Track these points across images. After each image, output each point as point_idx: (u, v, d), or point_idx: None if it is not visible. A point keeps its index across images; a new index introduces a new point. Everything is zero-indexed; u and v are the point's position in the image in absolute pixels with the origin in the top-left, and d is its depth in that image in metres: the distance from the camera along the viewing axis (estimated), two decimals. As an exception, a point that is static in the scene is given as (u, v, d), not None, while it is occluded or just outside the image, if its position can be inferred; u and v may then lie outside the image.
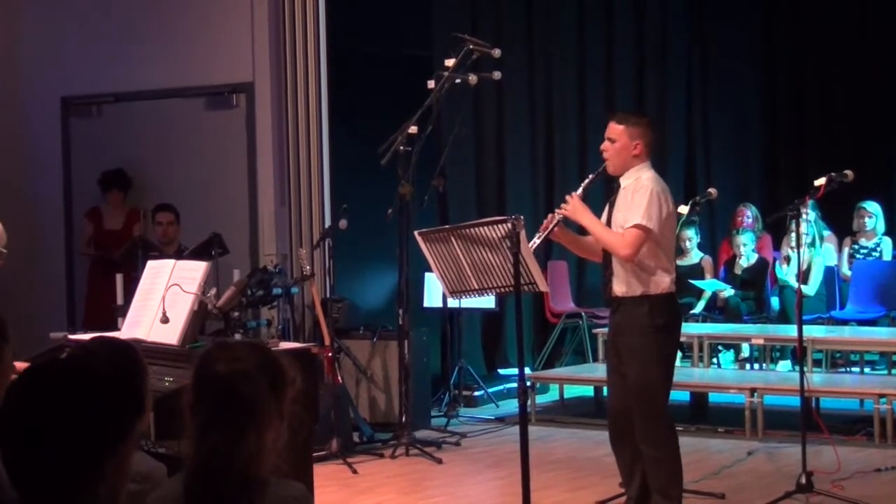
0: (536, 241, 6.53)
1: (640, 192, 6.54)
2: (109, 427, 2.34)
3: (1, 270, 5.39)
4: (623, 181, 6.69)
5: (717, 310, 12.45)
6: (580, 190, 6.72)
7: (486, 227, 6.04)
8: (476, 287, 6.21)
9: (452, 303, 10.33)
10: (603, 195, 7.06)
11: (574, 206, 6.64)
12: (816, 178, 7.46)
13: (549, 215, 6.70)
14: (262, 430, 3.02)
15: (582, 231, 7.00)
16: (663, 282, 6.58)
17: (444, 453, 9.19)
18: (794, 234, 10.02)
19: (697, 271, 12.35)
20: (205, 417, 3.02)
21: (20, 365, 5.21)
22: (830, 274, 12.39)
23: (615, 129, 6.69)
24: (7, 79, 11.43)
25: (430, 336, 10.52)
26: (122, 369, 2.47)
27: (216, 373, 3.06)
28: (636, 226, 6.47)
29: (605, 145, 6.71)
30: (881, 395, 9.19)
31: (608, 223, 6.68)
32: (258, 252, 10.55)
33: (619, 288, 6.62)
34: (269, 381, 3.08)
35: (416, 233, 6.40)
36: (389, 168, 9.09)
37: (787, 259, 12.07)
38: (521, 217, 5.93)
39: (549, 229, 6.59)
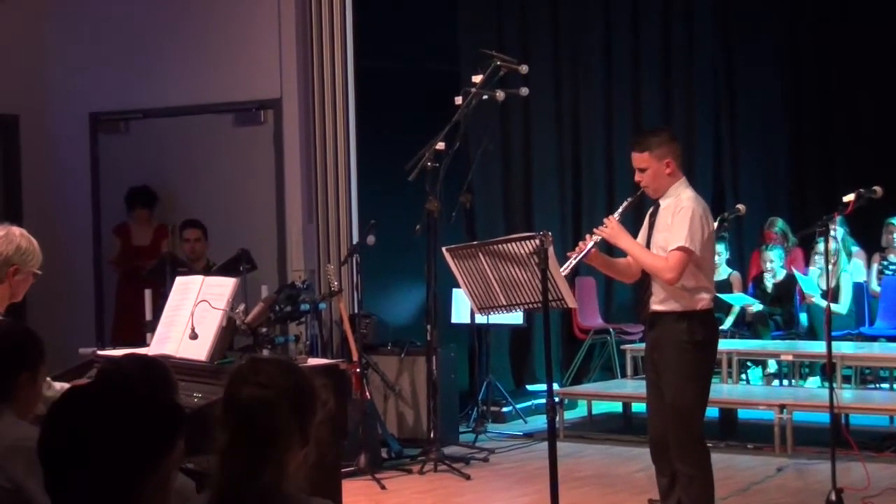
0: (572, 262, 6.49)
1: (681, 214, 6.48)
2: (150, 445, 2.35)
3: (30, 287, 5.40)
4: (662, 202, 6.63)
5: (746, 325, 12.41)
6: (617, 213, 6.65)
7: (513, 244, 6.03)
8: (504, 303, 6.20)
9: (480, 319, 10.33)
10: (635, 215, 6.99)
11: (613, 230, 6.59)
12: (845, 193, 7.43)
13: (586, 237, 6.61)
14: (284, 455, 3.04)
15: (612, 252, 6.97)
16: (702, 300, 6.54)
17: (473, 469, 9.18)
18: (821, 250, 10.00)
19: (726, 287, 12.30)
20: (228, 439, 3.05)
21: (59, 384, 5.22)
22: (859, 290, 12.33)
23: (640, 157, 6.59)
24: (36, 94, 11.47)
25: (458, 352, 10.54)
26: (157, 386, 2.49)
27: (241, 397, 3.08)
28: (680, 248, 6.42)
29: (638, 176, 6.65)
30: (911, 412, 9.16)
31: (647, 243, 6.65)
32: (286, 268, 10.56)
33: (658, 305, 6.59)
34: (295, 405, 3.09)
35: (443, 249, 6.40)
36: (417, 184, 9.10)
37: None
38: (550, 233, 5.93)
39: (584, 252, 6.49)
